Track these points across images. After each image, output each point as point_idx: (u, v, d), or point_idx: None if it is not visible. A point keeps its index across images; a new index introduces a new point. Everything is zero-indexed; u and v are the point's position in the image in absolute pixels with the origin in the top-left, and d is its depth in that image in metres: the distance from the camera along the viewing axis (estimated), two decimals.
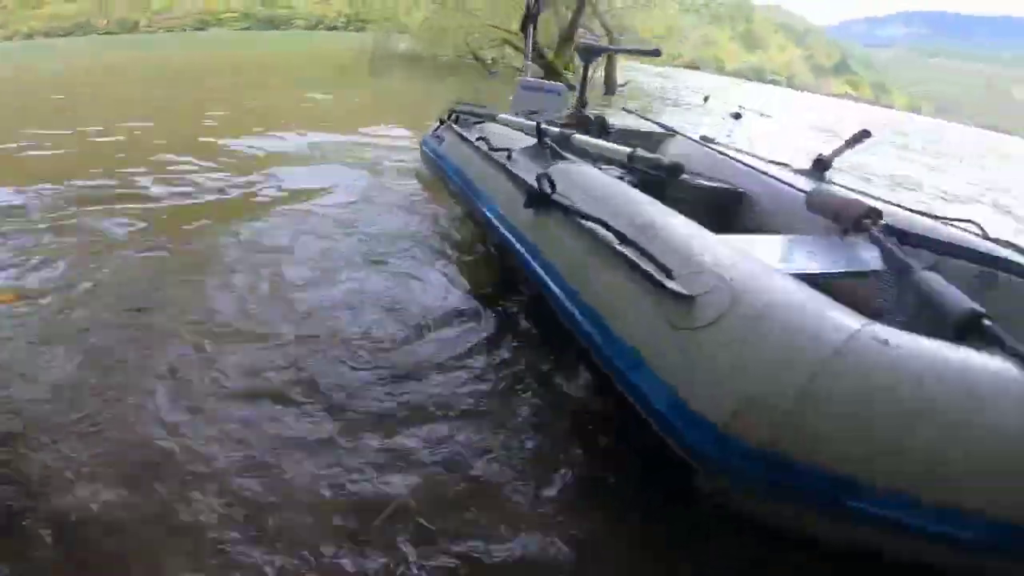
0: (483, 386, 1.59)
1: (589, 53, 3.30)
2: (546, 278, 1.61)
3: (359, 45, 14.38)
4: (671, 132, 3.13)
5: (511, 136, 2.55)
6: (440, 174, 2.97)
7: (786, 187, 2.21)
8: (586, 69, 3.25)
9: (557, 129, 2.33)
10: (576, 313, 1.43)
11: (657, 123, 3.19)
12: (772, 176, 2.33)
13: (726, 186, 2.53)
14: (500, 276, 2.26)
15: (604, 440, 1.42)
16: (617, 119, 3.14)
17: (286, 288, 2.03)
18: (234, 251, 2.29)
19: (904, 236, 1.50)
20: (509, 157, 2.20)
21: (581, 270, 1.49)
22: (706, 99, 8.96)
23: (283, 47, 17.84)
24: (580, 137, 2.25)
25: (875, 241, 1.46)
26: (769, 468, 0.91)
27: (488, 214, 2.15)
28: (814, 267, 1.49)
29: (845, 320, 0.98)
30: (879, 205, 1.71)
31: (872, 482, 0.86)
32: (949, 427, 0.85)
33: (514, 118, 2.83)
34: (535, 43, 10.78)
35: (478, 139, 2.62)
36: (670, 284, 1.18)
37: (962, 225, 1.83)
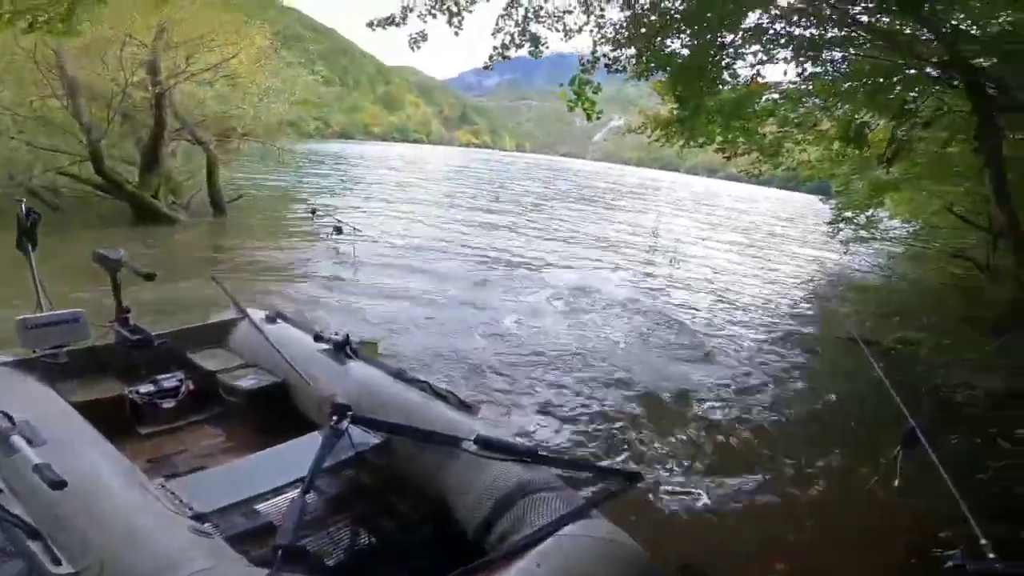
0: None
1: (105, 264, 2.82)
2: None
3: None
4: (241, 315, 2.98)
5: None
6: None
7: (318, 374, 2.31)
8: (114, 278, 2.80)
9: None
10: None
11: (236, 303, 3.05)
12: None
13: (272, 381, 2.54)
14: None
15: None
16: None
17: None
18: None
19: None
20: None
21: None
22: (313, 212, 9.09)
23: None
24: None
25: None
26: None
27: None
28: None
29: None
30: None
31: None
32: None
33: None
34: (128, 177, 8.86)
35: None
36: None
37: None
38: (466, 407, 2.19)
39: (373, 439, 1.96)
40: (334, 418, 1.71)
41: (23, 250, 3.00)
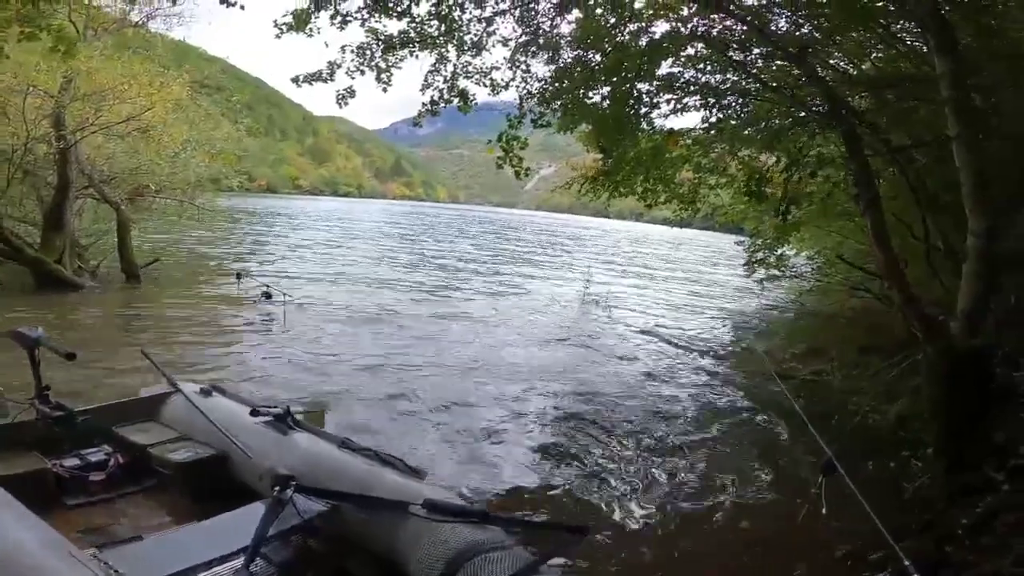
0: None
1: (23, 342, 2.68)
2: None
3: None
4: (173, 388, 2.91)
5: None
6: None
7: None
8: (32, 355, 2.65)
9: None
10: None
11: (168, 376, 3.00)
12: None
13: (209, 453, 2.51)
14: None
15: None
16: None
17: None
18: None
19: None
20: None
21: None
22: (239, 276, 8.70)
23: None
24: None
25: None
26: None
27: None
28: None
29: None
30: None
31: None
32: None
33: None
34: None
35: None
36: None
37: None
38: (414, 471, 2.20)
39: (320, 507, 1.95)
40: (277, 488, 1.74)
41: None
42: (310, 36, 5.17)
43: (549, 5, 5.66)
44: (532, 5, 5.71)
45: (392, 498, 1.90)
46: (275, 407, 2.62)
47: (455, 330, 8.42)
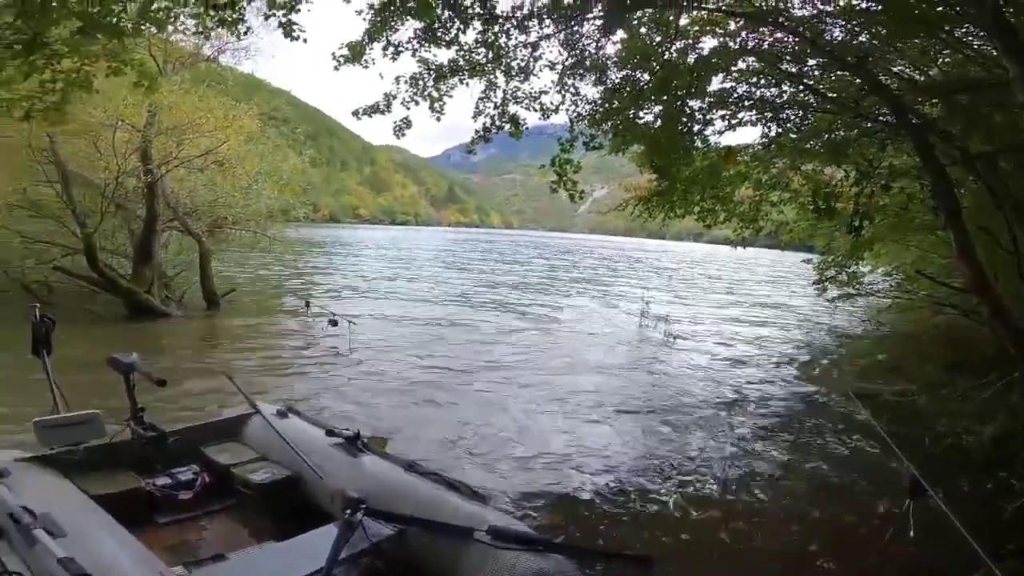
0: None
1: (119, 368, 2.94)
2: None
3: None
4: (254, 411, 3.06)
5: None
6: None
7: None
8: (127, 380, 2.90)
9: None
10: None
11: (249, 399, 3.10)
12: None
13: (285, 475, 2.62)
14: None
15: None
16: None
17: None
18: None
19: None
20: None
21: None
22: (307, 303, 9.15)
23: None
24: None
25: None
26: None
27: None
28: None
29: None
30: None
31: None
32: None
33: None
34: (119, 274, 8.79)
35: None
36: None
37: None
38: (478, 496, 2.22)
39: (388, 530, 1.98)
40: (347, 511, 1.76)
41: (39, 356, 3.11)
42: (366, 67, 5.38)
43: (593, 27, 5.71)
44: (576, 28, 5.76)
45: (457, 523, 1.90)
46: (346, 429, 2.71)
47: (515, 355, 8.43)
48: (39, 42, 3.20)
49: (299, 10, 4.60)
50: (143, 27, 3.81)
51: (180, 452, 2.75)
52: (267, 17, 4.58)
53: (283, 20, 4.59)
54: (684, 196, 7.13)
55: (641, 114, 6.05)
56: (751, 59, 5.50)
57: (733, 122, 6.13)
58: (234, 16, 4.15)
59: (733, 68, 5.61)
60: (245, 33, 4.79)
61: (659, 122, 6.03)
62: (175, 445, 2.72)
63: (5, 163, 8.87)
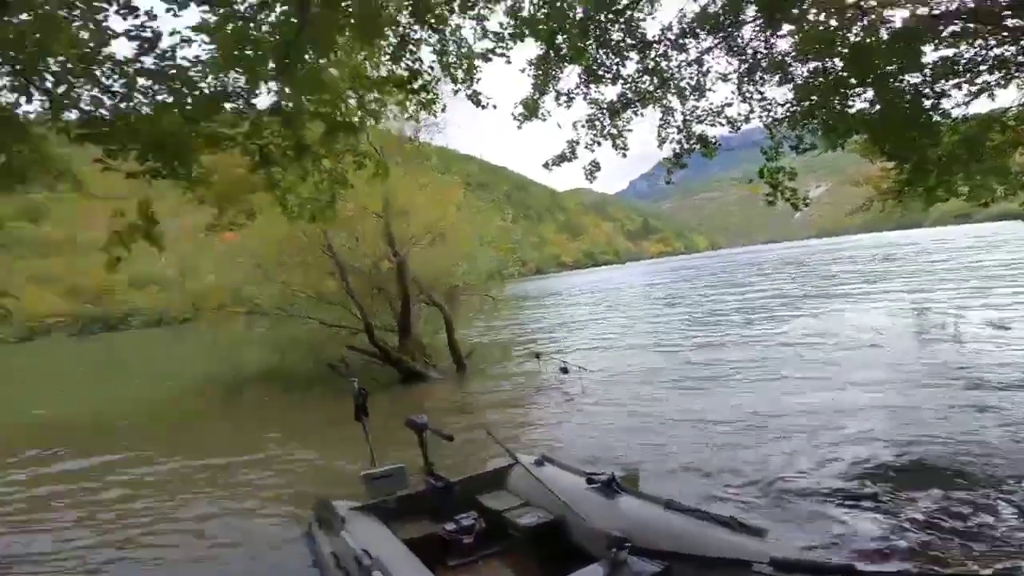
0: None
1: (415, 427, 3.59)
2: None
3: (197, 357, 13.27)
4: (513, 460, 3.42)
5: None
6: None
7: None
8: (421, 438, 3.52)
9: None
10: None
11: (509, 451, 3.48)
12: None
13: (549, 518, 2.87)
14: None
15: None
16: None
17: None
18: None
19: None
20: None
21: None
22: (537, 356, 9.73)
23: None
24: None
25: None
26: None
27: None
28: None
29: None
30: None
31: None
32: None
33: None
34: (388, 349, 10.80)
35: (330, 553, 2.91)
36: None
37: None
38: (752, 530, 2.13)
39: (653, 567, 1.99)
40: (613, 550, 1.82)
41: (359, 420, 3.91)
42: (543, 120, 5.76)
43: (755, 28, 5.39)
44: (735, 33, 5.47)
45: (730, 556, 1.82)
46: (602, 473, 2.88)
47: (754, 381, 7.88)
48: (302, 145, 3.70)
49: (479, 79, 5.08)
50: (366, 120, 4.19)
51: (461, 500, 3.22)
52: (455, 92, 5.14)
53: (468, 92, 5.12)
54: (942, 177, 5.98)
55: (849, 102, 5.40)
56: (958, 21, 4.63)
57: (973, 89, 5.11)
58: (428, 97, 4.70)
59: (944, 32, 4.77)
60: (442, 110, 5.25)
61: (876, 107, 5.30)
62: (458, 494, 3.21)
63: (300, 263, 11.38)
